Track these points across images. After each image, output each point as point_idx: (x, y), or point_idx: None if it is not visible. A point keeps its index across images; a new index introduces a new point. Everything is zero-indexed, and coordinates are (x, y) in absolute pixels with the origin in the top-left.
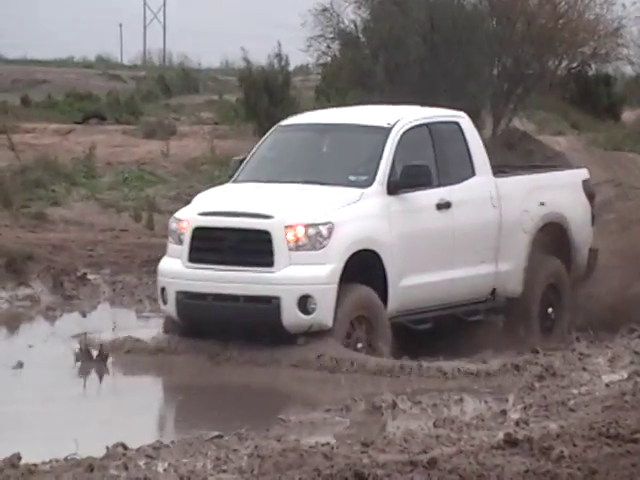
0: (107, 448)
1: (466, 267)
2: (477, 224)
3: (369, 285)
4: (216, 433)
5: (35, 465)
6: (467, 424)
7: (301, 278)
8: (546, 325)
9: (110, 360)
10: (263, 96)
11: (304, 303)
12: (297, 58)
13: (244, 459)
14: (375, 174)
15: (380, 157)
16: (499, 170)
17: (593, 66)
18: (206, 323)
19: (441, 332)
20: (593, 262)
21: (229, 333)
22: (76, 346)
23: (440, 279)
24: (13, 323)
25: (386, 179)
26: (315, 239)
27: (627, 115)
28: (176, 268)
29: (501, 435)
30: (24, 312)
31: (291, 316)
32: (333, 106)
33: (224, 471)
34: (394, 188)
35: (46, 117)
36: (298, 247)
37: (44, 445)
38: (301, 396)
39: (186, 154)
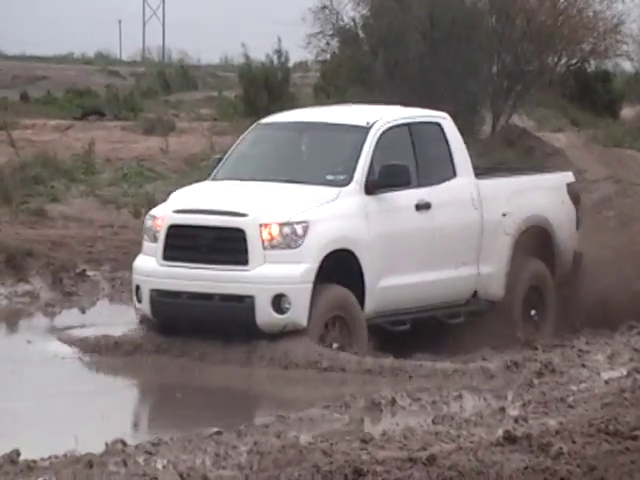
0: (106, 444)
1: (446, 269)
2: (457, 225)
3: (346, 286)
4: (215, 429)
5: (34, 461)
6: (466, 421)
7: (275, 277)
8: (529, 327)
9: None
10: (262, 92)
11: (278, 302)
12: (296, 54)
13: (243, 455)
14: (353, 173)
15: (358, 156)
16: (483, 171)
17: (592, 63)
18: (180, 322)
19: (420, 333)
20: (578, 265)
21: (203, 332)
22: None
23: (419, 280)
24: (12, 319)
25: (364, 178)
26: (290, 238)
27: (626, 112)
28: (150, 266)
29: (500, 432)
30: (23, 308)
31: (265, 315)
32: (332, 103)
33: (223, 467)
34: (372, 188)
35: (45, 113)
36: (273, 246)
37: (43, 441)
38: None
39: (185, 150)
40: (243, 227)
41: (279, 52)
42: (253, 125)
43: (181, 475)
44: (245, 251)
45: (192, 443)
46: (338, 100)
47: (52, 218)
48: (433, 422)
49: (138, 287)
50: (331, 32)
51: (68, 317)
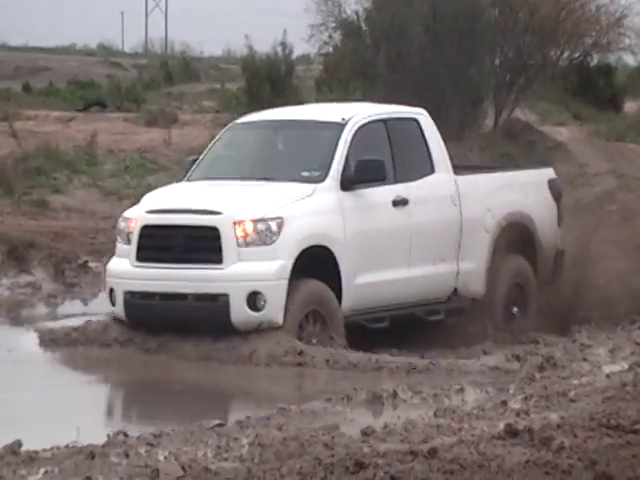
0: (108, 436)
1: (424, 266)
2: (436, 222)
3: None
4: (217, 422)
5: (36, 452)
6: (468, 414)
7: (250, 274)
8: (510, 324)
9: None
10: (265, 85)
11: (253, 300)
12: (299, 47)
13: (245, 447)
14: (328, 169)
15: (334, 152)
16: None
17: (595, 56)
18: (154, 323)
19: (397, 330)
20: (560, 263)
21: (177, 331)
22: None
23: (397, 277)
24: (14, 310)
25: (339, 174)
26: (265, 234)
27: (629, 106)
28: (124, 268)
29: (502, 425)
30: (25, 299)
31: (240, 313)
32: (335, 96)
33: (225, 459)
34: (348, 184)
35: (48, 104)
36: (247, 243)
37: (45, 432)
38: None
39: (187, 142)
40: (217, 225)
41: (284, 44)
42: (228, 125)
43: (183, 467)
44: (219, 249)
45: (194, 435)
46: (340, 93)
47: (54, 209)
48: (434, 415)
49: (112, 290)
50: (334, 25)
51: (70, 308)
